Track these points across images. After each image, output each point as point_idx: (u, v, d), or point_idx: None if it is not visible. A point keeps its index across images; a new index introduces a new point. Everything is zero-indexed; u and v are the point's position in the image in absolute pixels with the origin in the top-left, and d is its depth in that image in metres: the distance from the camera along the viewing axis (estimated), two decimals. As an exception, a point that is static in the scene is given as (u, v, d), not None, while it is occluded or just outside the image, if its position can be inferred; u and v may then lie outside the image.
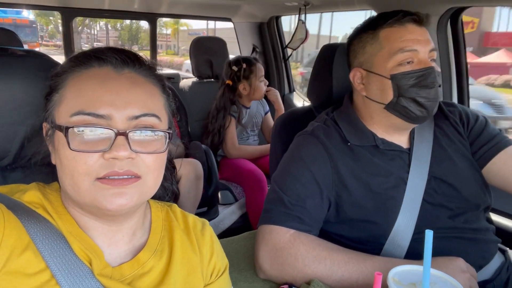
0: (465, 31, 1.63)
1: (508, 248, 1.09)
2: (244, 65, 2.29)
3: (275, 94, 2.53)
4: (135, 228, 0.65)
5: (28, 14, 16.21)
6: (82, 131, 0.54)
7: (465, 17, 1.57)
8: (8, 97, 0.73)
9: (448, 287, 0.69)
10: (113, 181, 0.54)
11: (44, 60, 0.78)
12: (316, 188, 0.95)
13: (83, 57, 0.60)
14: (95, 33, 33.16)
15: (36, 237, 0.54)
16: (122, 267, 0.60)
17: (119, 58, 0.60)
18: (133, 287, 0.59)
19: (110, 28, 32.17)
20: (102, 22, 30.78)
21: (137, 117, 0.57)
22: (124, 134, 0.55)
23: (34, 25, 17.36)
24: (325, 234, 0.99)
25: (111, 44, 28.38)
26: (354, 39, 1.04)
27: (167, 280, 0.63)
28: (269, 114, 2.58)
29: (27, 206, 0.58)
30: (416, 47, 0.93)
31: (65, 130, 0.54)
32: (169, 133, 0.60)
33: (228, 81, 2.31)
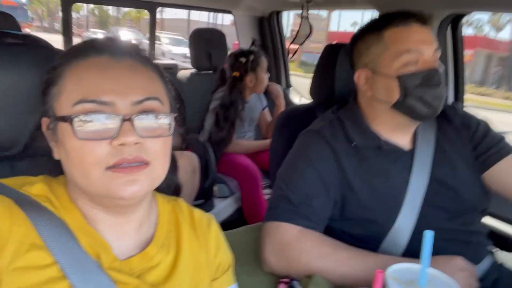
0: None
1: (497, 249, 1.13)
2: (252, 57, 2.28)
3: (278, 89, 2.51)
4: (142, 220, 0.64)
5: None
6: (87, 120, 0.53)
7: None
8: (17, 86, 0.72)
9: (444, 287, 0.71)
10: (124, 169, 0.54)
11: (49, 50, 0.78)
12: (322, 187, 0.96)
13: (79, 48, 0.60)
14: (78, 18, 35.32)
15: (43, 232, 0.54)
16: (130, 260, 0.60)
17: (116, 47, 0.60)
18: (141, 281, 0.59)
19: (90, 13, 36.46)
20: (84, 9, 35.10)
21: (140, 102, 0.56)
22: (130, 120, 0.54)
23: (24, 7, 17.18)
24: (329, 229, 1.01)
25: (90, 27, 32.65)
26: (358, 39, 1.04)
27: (174, 275, 0.63)
28: (267, 109, 2.57)
29: (35, 200, 0.57)
30: (422, 48, 0.93)
31: (70, 119, 0.53)
32: (173, 116, 0.60)
33: (235, 73, 2.29)
